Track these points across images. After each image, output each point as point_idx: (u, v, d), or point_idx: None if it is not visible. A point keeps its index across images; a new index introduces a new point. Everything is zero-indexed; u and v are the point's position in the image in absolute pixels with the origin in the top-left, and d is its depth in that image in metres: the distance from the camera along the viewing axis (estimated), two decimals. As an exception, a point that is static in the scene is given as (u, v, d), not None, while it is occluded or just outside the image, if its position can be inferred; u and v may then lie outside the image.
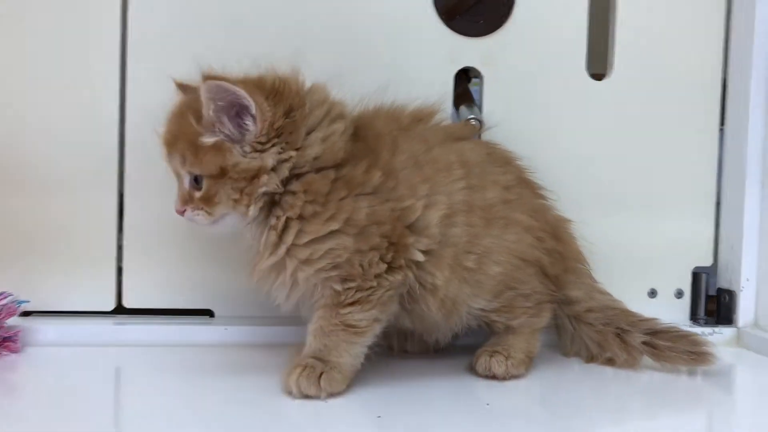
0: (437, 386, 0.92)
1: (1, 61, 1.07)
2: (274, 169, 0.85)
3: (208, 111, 0.84)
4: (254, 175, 0.85)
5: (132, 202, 1.10)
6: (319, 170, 0.86)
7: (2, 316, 0.97)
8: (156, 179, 1.07)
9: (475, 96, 1.15)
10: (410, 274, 0.88)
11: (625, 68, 1.17)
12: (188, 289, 1.11)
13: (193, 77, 0.88)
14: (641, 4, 1.16)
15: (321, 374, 0.84)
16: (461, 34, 1.13)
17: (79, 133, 1.08)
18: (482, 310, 0.95)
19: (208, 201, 0.86)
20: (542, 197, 1.04)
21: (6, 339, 0.98)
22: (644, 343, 0.98)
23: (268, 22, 1.09)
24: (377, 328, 0.88)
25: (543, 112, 1.15)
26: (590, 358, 1.02)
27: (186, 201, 0.87)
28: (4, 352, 0.97)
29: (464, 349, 1.01)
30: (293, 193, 0.86)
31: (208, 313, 1.12)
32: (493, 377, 0.93)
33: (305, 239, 0.85)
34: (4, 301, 0.99)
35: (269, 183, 0.85)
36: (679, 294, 1.20)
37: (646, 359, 0.99)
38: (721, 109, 1.19)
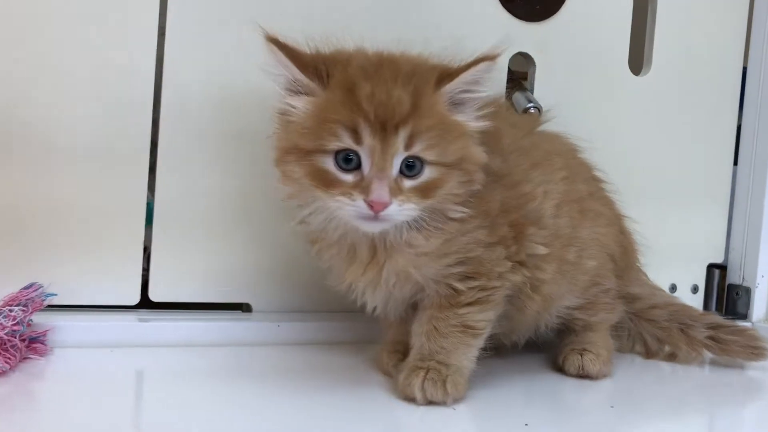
0: (535, 387, 0.88)
1: (32, 33, 0.89)
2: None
3: (471, 87, 0.75)
4: (476, 170, 0.76)
5: (163, 185, 0.95)
6: None
7: (30, 311, 0.81)
8: (190, 161, 0.96)
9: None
10: (527, 273, 0.82)
11: (661, 66, 1.18)
12: (223, 280, 0.98)
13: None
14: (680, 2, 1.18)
15: (446, 378, 0.76)
16: (518, 18, 1.09)
17: (109, 112, 0.92)
18: (569, 307, 0.92)
19: (424, 192, 0.74)
20: (607, 190, 1.02)
21: (33, 341, 0.81)
22: (708, 337, 0.99)
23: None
24: (489, 330, 0.82)
25: (586, 103, 1.14)
26: (649, 354, 1.02)
27: (393, 191, 0.72)
28: (32, 356, 0.81)
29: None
30: None
31: (244, 307, 1.00)
32: (587, 376, 0.90)
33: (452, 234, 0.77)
34: (33, 294, 0.82)
35: (481, 180, 0.77)
36: (695, 289, 1.23)
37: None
38: (740, 106, 1.23)
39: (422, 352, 0.79)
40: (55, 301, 0.89)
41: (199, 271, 0.97)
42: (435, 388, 0.76)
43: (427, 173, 0.74)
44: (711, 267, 1.24)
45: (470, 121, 0.77)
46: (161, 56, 0.94)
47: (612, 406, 0.83)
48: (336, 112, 0.72)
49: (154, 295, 0.96)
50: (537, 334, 0.93)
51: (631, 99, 1.17)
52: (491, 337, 0.82)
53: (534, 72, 1.11)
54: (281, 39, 0.74)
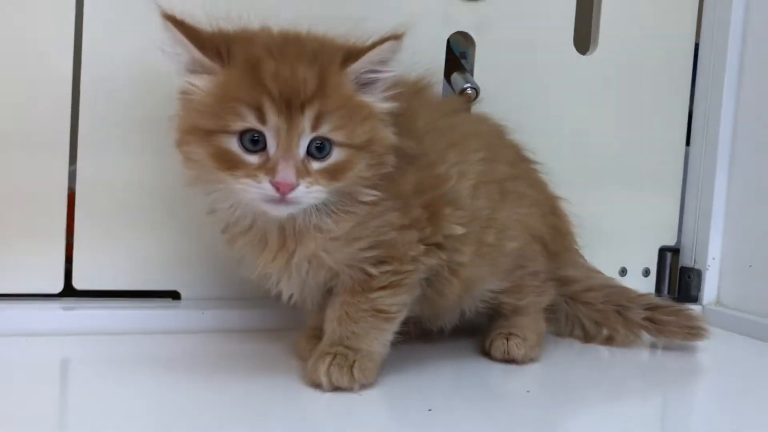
0: (460, 373, 0.86)
1: None
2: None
3: (378, 68, 0.73)
4: (385, 152, 0.75)
5: (85, 168, 0.93)
6: None
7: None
8: (114, 142, 0.94)
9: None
10: (443, 256, 0.80)
11: (608, 44, 1.15)
12: (150, 267, 0.97)
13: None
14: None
15: (353, 363, 0.75)
16: (455, -4, 1.06)
17: (27, 90, 0.90)
18: (493, 291, 0.90)
19: (332, 175, 0.72)
20: (538, 172, 1.00)
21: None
22: (645, 318, 0.97)
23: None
24: (404, 314, 0.80)
25: (531, 84, 1.11)
26: (588, 338, 1.00)
27: (300, 173, 0.70)
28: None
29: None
30: None
31: (173, 295, 0.99)
32: (512, 361, 0.88)
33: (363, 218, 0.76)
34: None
35: (391, 163, 0.75)
36: (647, 272, 1.21)
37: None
38: (692, 88, 1.21)
39: (333, 338, 0.78)
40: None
41: (125, 259, 0.96)
42: (341, 374, 0.74)
43: (336, 155, 0.72)
44: (663, 250, 1.22)
45: (378, 101, 0.75)
46: (80, 33, 0.92)
47: (528, 391, 0.81)
48: (239, 91, 0.70)
49: (79, 283, 0.94)
50: (463, 319, 0.92)
51: (577, 79, 1.14)
52: (416, 323, 0.81)
53: (474, 52, 1.08)
54: (178, 16, 0.71)
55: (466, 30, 1.07)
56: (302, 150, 0.71)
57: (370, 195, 0.75)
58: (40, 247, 0.92)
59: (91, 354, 0.86)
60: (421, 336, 0.92)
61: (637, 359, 0.97)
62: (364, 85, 0.74)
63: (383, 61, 0.74)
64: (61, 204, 0.93)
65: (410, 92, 0.85)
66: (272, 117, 0.70)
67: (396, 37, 0.74)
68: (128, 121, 0.94)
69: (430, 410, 0.72)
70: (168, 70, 0.73)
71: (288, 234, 0.76)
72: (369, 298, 0.77)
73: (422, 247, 0.78)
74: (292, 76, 0.70)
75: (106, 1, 0.93)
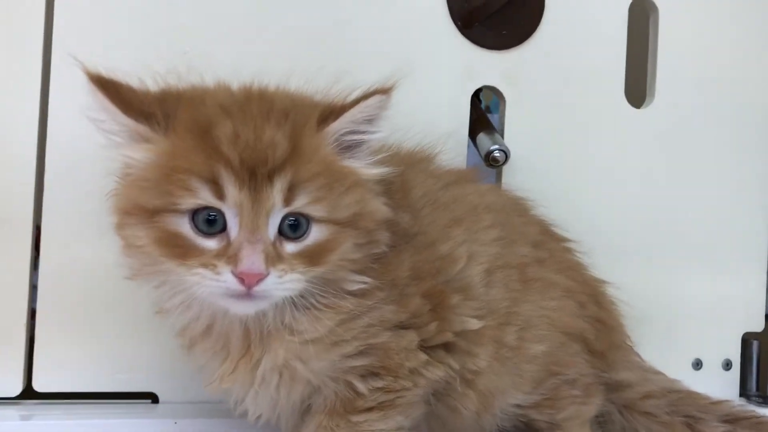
0: None
1: None
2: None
3: (363, 128, 0.61)
4: (377, 228, 0.61)
5: (48, 258, 0.82)
6: None
7: None
8: (80, 225, 0.81)
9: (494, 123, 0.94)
10: (453, 363, 0.64)
11: (668, 96, 0.97)
12: (124, 366, 0.84)
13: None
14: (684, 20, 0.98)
15: None
16: (480, 46, 0.91)
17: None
18: (519, 406, 0.72)
19: (311, 259, 0.58)
20: (572, 252, 0.82)
21: None
22: None
23: (252, 23, 0.85)
24: None
25: (572, 145, 0.95)
26: None
27: (271, 259, 0.57)
28: None
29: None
30: None
31: (150, 397, 0.85)
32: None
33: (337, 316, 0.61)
34: None
35: (385, 241, 0.62)
36: (728, 365, 1.00)
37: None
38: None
39: None
40: None
41: (94, 357, 0.83)
42: None
43: (315, 234, 0.58)
44: (747, 338, 1.01)
45: (364, 167, 0.61)
46: (45, 109, 0.82)
47: None
48: (186, 160, 0.57)
49: (40, 385, 0.82)
50: None
51: (631, 137, 0.97)
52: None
53: (504, 109, 0.93)
54: (108, 76, 0.59)
55: (493, 84, 0.92)
56: (272, 230, 0.57)
57: (358, 282, 0.60)
58: (-4, 344, 0.81)
59: None
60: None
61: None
62: (347, 148, 0.61)
63: (369, 120, 0.61)
64: (21, 296, 0.81)
65: (410, 161, 0.71)
66: (232, 190, 0.56)
67: (383, 91, 0.60)
68: (94, 205, 0.82)
69: None
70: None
71: (253, 337, 0.61)
72: (350, 421, 0.62)
73: (423, 357, 0.62)
74: (255, 138, 0.57)
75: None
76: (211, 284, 0.56)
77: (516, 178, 0.91)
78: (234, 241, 0.57)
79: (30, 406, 0.82)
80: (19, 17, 0.81)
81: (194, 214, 0.57)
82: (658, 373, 0.85)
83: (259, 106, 0.59)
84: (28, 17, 0.81)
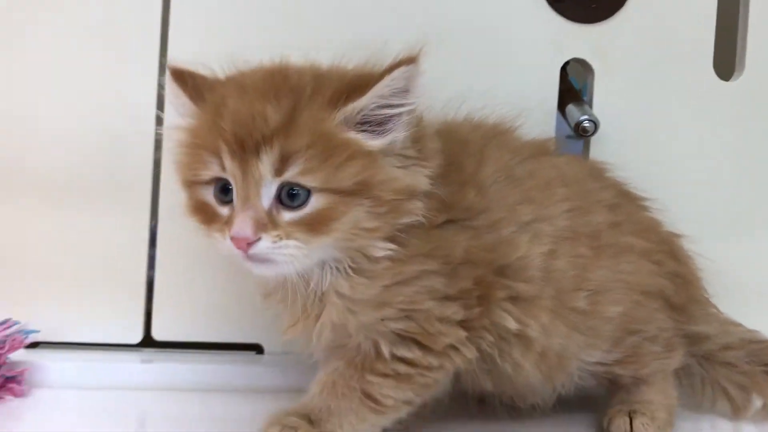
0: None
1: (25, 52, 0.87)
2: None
3: (370, 100, 0.62)
4: (399, 197, 0.63)
5: (168, 213, 0.89)
6: None
7: (6, 349, 0.77)
8: None
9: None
10: (490, 337, 0.68)
11: (758, 69, 0.98)
12: (233, 318, 0.90)
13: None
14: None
15: None
16: (570, 20, 0.94)
17: (112, 143, 0.88)
18: (600, 363, 0.75)
19: (312, 227, 0.62)
20: (647, 209, 0.85)
21: (9, 379, 0.77)
22: None
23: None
24: (403, 412, 0.69)
25: (661, 115, 0.96)
26: (737, 410, 0.82)
27: (263, 225, 0.61)
28: (6, 396, 0.77)
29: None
30: None
31: (256, 348, 0.92)
32: (639, 442, 0.73)
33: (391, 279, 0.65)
34: (8, 331, 0.78)
35: (416, 211, 0.64)
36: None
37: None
38: None
39: (305, 403, 0.69)
40: (50, 338, 0.85)
41: (206, 309, 0.90)
42: None
43: (314, 203, 0.61)
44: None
45: (368, 138, 0.63)
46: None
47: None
48: (201, 137, 0.63)
49: (158, 334, 0.90)
50: (564, 392, 0.77)
51: (719, 111, 0.97)
52: (499, 398, 0.68)
53: (592, 81, 0.95)
54: (184, 68, 0.67)
55: (582, 57, 0.95)
56: (266, 199, 0.61)
57: (384, 249, 0.64)
58: (119, 296, 0.88)
59: (169, 411, 0.81)
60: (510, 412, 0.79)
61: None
62: (380, 123, 0.63)
63: (399, 92, 0.62)
64: (142, 251, 0.89)
65: (490, 134, 0.75)
66: (228, 163, 0.62)
67: (410, 61, 0.61)
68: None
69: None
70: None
71: (309, 296, 0.66)
72: (364, 378, 0.66)
73: (462, 333, 0.66)
74: (247, 113, 0.61)
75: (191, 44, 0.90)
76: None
77: (604, 149, 0.93)
78: (234, 208, 0.62)
79: (149, 353, 0.89)
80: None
81: (217, 183, 0.63)
82: (737, 324, 0.86)
83: (270, 83, 0.63)
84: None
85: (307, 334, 0.67)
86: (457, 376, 0.72)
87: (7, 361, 0.78)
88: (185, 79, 0.67)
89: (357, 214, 0.62)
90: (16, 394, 0.77)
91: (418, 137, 0.65)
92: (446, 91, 0.78)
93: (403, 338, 0.65)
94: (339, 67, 0.67)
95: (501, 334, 0.68)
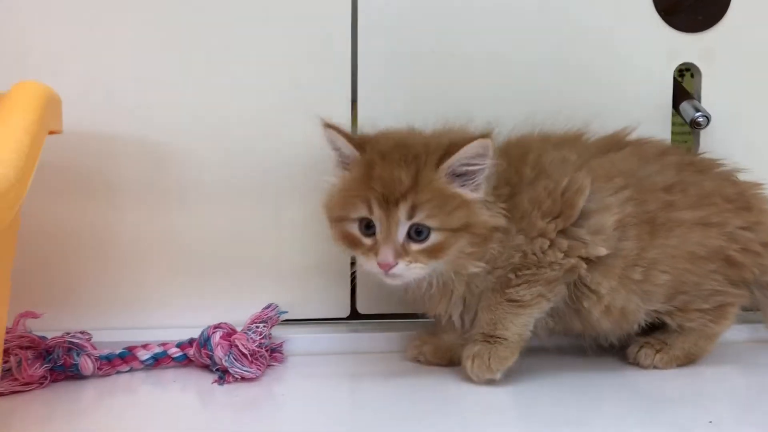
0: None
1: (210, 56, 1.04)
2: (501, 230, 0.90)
3: (471, 161, 0.87)
4: (489, 232, 0.88)
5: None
6: None
7: (270, 326, 0.99)
8: None
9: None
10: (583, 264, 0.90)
11: None
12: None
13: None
14: None
15: (490, 354, 0.91)
16: (680, 30, 1.12)
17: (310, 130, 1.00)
18: (656, 311, 0.97)
19: (432, 254, 0.87)
20: (713, 171, 1.00)
21: (274, 351, 0.99)
22: None
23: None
24: (544, 305, 0.91)
25: (763, 112, 1.14)
26: None
27: (399, 254, 0.86)
28: (274, 363, 0.99)
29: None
30: None
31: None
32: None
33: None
34: (271, 313, 1.00)
35: (496, 239, 0.90)
36: None
37: None
38: None
39: (478, 329, 0.94)
40: (285, 317, 1.07)
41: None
42: (481, 369, 0.91)
43: (434, 237, 0.86)
44: None
45: (468, 192, 0.88)
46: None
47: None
48: (356, 189, 0.88)
49: (362, 309, 1.10)
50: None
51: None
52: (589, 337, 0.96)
53: (700, 83, 1.14)
54: (334, 124, 0.91)
55: (692, 61, 1.13)
56: (401, 235, 0.86)
57: (477, 267, 0.90)
58: (331, 279, 1.08)
59: (373, 369, 1.01)
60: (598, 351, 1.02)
61: None
62: (461, 175, 0.87)
63: (476, 156, 0.86)
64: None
65: (557, 141, 0.97)
66: (376, 210, 0.86)
67: (484, 136, 0.86)
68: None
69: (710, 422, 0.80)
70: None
71: (441, 289, 0.93)
72: (505, 293, 0.91)
73: (559, 254, 0.89)
74: (390, 178, 0.86)
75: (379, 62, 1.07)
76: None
77: (713, 143, 1.11)
78: (378, 240, 0.87)
79: (356, 325, 1.09)
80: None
81: (360, 221, 0.88)
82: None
83: (399, 151, 0.88)
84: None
85: (442, 308, 0.94)
86: (558, 314, 0.94)
87: (271, 335, 0.99)
88: (346, 133, 0.90)
89: (461, 244, 0.87)
90: (279, 361, 1.00)
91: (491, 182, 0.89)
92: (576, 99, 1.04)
93: (518, 267, 0.91)
94: (439, 134, 0.92)
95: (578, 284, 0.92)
